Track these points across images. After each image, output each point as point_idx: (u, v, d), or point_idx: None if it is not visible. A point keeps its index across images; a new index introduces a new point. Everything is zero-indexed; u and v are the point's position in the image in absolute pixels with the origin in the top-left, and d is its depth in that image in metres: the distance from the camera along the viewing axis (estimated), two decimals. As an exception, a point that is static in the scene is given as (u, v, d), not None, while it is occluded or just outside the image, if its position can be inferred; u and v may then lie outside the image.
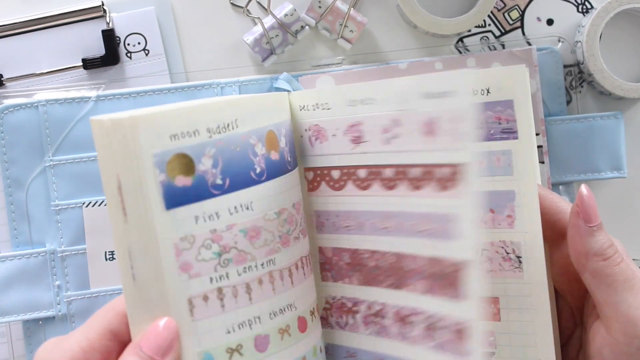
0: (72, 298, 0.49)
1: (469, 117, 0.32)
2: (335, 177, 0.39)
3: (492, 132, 0.39)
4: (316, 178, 0.40)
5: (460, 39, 0.55)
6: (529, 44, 0.54)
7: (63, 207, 0.50)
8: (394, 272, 0.36)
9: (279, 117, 0.38)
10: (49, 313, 0.49)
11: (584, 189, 0.36)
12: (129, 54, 0.53)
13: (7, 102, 0.50)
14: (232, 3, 0.54)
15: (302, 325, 0.36)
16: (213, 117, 0.33)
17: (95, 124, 0.32)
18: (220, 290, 0.33)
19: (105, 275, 0.49)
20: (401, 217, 0.36)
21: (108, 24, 0.52)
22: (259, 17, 0.52)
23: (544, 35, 0.54)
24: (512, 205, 0.38)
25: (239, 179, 0.34)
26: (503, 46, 0.55)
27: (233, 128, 0.34)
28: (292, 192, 0.38)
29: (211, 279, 0.33)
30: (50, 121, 0.50)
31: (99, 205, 0.50)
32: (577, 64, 0.54)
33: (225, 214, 0.33)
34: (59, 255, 0.50)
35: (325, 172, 0.39)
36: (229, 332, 0.33)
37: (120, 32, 0.52)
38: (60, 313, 0.49)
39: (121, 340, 0.34)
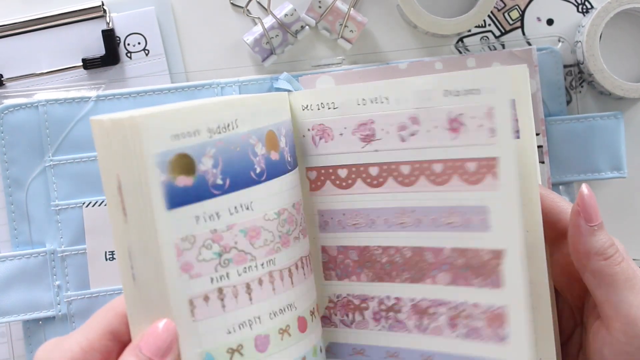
0: (72, 298, 0.49)
1: (500, 113, 0.34)
2: (343, 175, 0.39)
3: None
4: (320, 177, 0.40)
5: (460, 39, 0.55)
6: (529, 44, 0.54)
7: (63, 207, 0.50)
8: (410, 266, 0.38)
9: (279, 117, 0.38)
10: (49, 313, 0.49)
11: (584, 188, 0.36)
12: (129, 54, 0.53)
13: (7, 102, 0.50)
14: (232, 3, 0.54)
15: (302, 325, 0.36)
16: (213, 117, 0.33)
17: (95, 124, 0.32)
18: (220, 290, 0.33)
19: (105, 275, 0.49)
20: (420, 212, 0.37)
21: (108, 24, 0.52)
22: (259, 17, 0.52)
23: (544, 35, 0.54)
24: None
25: (239, 179, 0.34)
26: (503, 46, 0.55)
27: (233, 128, 0.34)
28: (292, 192, 0.38)
29: (212, 279, 0.33)
30: (50, 121, 0.50)
31: (99, 205, 0.50)
32: (577, 64, 0.54)
33: (225, 214, 0.33)
34: (59, 255, 0.50)
35: (331, 171, 0.39)
36: (229, 332, 0.33)
37: (120, 32, 0.52)
38: (60, 313, 0.49)
39: (121, 340, 0.34)
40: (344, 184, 0.39)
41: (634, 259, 0.37)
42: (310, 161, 0.40)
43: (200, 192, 0.32)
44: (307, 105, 0.39)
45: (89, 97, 0.50)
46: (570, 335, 0.40)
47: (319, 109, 0.39)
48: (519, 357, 0.35)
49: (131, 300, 0.33)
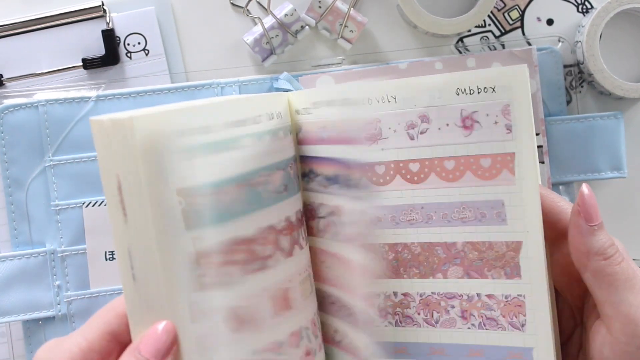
0: (72, 298, 0.49)
1: (517, 109, 0.35)
2: None
3: None
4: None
5: (460, 39, 0.55)
6: (529, 44, 0.54)
7: (63, 207, 0.50)
8: (419, 262, 0.39)
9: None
10: (49, 313, 0.49)
11: (585, 188, 0.36)
12: (129, 54, 0.53)
13: (7, 102, 0.50)
14: (232, 3, 0.54)
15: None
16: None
17: (95, 124, 0.32)
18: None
19: (105, 275, 0.49)
20: (429, 208, 0.38)
21: (108, 24, 0.52)
22: (259, 17, 0.52)
23: (544, 35, 0.54)
24: None
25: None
26: (503, 46, 0.55)
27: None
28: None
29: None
30: (50, 121, 0.50)
31: (99, 205, 0.50)
32: (577, 64, 0.54)
33: None
34: (59, 255, 0.50)
35: None
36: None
37: (120, 32, 0.52)
38: (60, 313, 0.49)
39: (121, 341, 0.34)
40: None
41: (634, 259, 0.37)
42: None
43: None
44: (310, 105, 0.40)
45: (89, 97, 0.50)
46: (570, 335, 0.40)
47: (320, 108, 0.39)
48: (540, 343, 0.37)
49: (131, 301, 0.33)
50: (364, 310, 0.37)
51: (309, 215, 0.40)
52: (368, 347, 0.36)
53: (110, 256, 0.50)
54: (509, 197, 0.37)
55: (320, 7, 0.53)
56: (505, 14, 0.55)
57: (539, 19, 0.55)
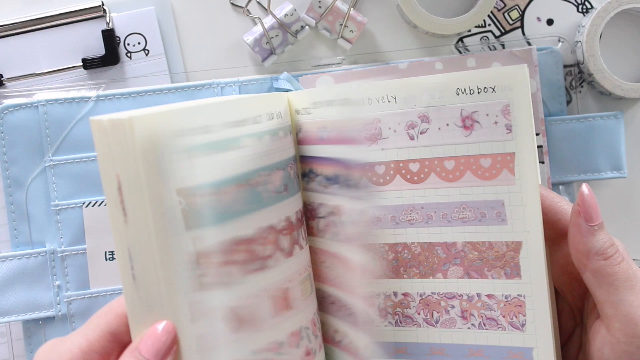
0: (72, 298, 0.49)
1: (517, 109, 0.36)
2: None
3: None
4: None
5: (460, 39, 0.55)
6: (529, 44, 0.54)
7: (63, 207, 0.50)
8: (420, 262, 0.39)
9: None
10: (49, 313, 0.49)
11: (585, 188, 0.36)
12: (129, 54, 0.53)
13: (7, 102, 0.50)
14: (232, 3, 0.54)
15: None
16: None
17: (95, 124, 0.32)
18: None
19: (105, 275, 0.49)
20: (429, 208, 0.38)
21: (108, 24, 0.52)
22: (259, 17, 0.52)
23: (544, 35, 0.54)
24: None
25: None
26: (503, 46, 0.54)
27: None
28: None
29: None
30: (50, 121, 0.50)
31: (99, 205, 0.50)
32: (577, 64, 0.54)
33: None
34: (59, 255, 0.50)
35: None
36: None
37: (120, 32, 0.52)
38: (60, 313, 0.49)
39: (121, 341, 0.34)
40: None
41: (634, 259, 0.37)
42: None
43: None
44: (310, 105, 0.40)
45: (89, 97, 0.50)
46: (570, 335, 0.40)
47: (320, 108, 0.39)
48: (540, 343, 0.37)
49: (131, 301, 0.33)
50: (364, 310, 0.37)
51: (309, 215, 0.40)
52: (368, 347, 0.36)
53: (110, 256, 0.50)
54: (509, 197, 0.37)
55: (320, 7, 0.53)
56: (505, 14, 0.55)
57: (539, 19, 0.55)
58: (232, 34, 0.54)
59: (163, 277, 0.31)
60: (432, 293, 0.39)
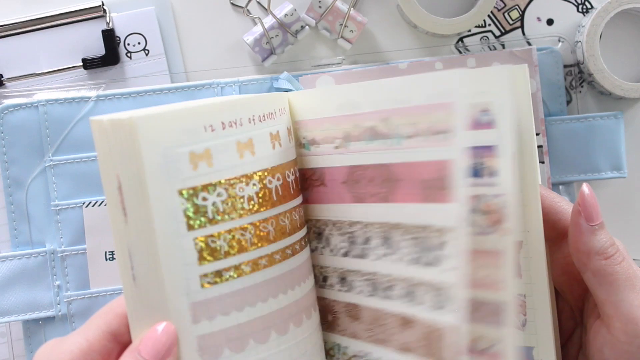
0: (72, 298, 0.49)
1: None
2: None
3: None
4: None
5: (460, 39, 0.55)
6: (529, 44, 0.54)
7: (63, 207, 0.50)
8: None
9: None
10: (49, 313, 0.49)
11: (585, 188, 0.36)
12: (129, 54, 0.53)
13: (7, 102, 0.50)
14: (232, 3, 0.54)
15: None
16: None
17: (95, 124, 0.32)
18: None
19: (105, 275, 0.49)
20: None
21: (108, 24, 0.52)
22: (259, 17, 0.52)
23: (544, 35, 0.54)
24: None
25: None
26: (503, 46, 0.55)
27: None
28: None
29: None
30: (50, 121, 0.50)
31: (99, 205, 0.50)
32: (577, 64, 0.54)
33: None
34: (59, 255, 0.50)
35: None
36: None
37: (120, 32, 0.52)
38: (60, 313, 0.49)
39: (121, 341, 0.34)
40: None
41: (634, 259, 0.37)
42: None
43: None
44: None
45: (89, 97, 0.50)
46: (570, 335, 0.40)
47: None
48: (540, 343, 0.36)
49: (131, 301, 0.33)
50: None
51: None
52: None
53: (110, 256, 0.50)
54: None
55: (320, 7, 0.53)
56: (505, 14, 0.55)
57: (539, 19, 0.55)
58: (232, 34, 0.54)
59: (163, 277, 0.31)
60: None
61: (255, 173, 0.34)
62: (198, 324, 0.32)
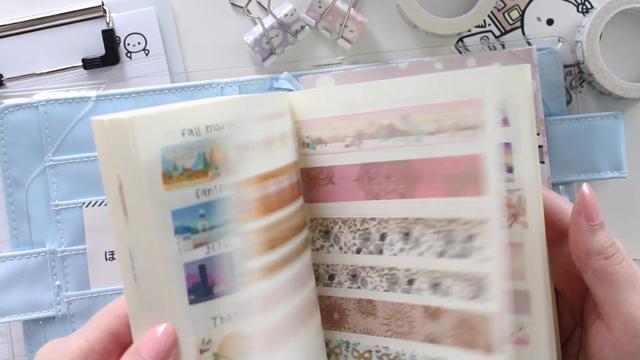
0: (72, 298, 0.49)
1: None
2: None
3: None
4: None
5: (460, 39, 0.55)
6: (529, 44, 0.54)
7: (63, 207, 0.50)
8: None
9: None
10: (49, 313, 0.49)
11: (585, 188, 0.36)
12: (129, 54, 0.53)
13: (7, 102, 0.50)
14: (232, 3, 0.54)
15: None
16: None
17: (95, 124, 0.32)
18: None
19: (105, 275, 0.49)
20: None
21: (108, 24, 0.52)
22: (259, 17, 0.52)
23: (544, 35, 0.54)
24: None
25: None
26: (503, 46, 0.55)
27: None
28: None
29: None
30: (50, 121, 0.50)
31: (99, 205, 0.50)
32: (577, 64, 0.54)
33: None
34: (59, 255, 0.50)
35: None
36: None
37: (120, 32, 0.52)
38: (60, 313, 0.49)
39: (121, 341, 0.34)
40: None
41: (634, 259, 0.37)
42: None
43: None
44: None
45: (89, 97, 0.50)
46: (570, 335, 0.40)
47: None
48: (540, 342, 0.36)
49: (132, 301, 0.33)
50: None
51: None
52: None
53: (110, 256, 0.50)
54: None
55: (320, 7, 0.53)
56: (505, 14, 0.55)
57: (539, 19, 0.55)
58: (232, 34, 0.54)
59: (164, 278, 0.31)
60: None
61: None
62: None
